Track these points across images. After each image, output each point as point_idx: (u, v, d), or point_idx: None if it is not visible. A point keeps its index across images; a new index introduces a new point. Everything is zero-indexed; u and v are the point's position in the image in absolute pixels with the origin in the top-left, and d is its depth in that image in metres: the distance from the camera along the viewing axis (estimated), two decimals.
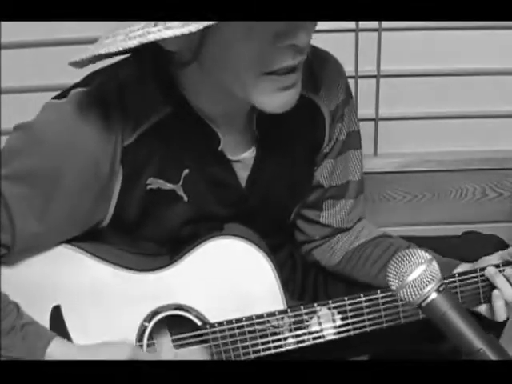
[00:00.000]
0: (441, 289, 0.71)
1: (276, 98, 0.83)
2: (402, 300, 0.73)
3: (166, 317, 0.99)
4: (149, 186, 0.94)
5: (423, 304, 0.71)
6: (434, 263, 0.72)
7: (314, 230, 1.15)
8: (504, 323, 1.08)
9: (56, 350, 0.91)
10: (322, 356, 1.14)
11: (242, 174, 0.99)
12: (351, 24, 1.46)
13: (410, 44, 1.48)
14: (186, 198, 0.96)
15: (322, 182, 1.10)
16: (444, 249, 1.06)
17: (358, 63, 1.50)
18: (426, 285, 0.71)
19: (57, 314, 0.97)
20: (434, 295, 0.71)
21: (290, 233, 1.16)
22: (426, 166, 1.59)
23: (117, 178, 0.91)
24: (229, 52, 0.80)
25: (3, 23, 1.36)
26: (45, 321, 0.97)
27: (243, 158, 0.99)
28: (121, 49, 0.71)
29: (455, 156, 1.59)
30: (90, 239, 0.98)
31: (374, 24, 1.46)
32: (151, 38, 0.69)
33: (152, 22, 0.70)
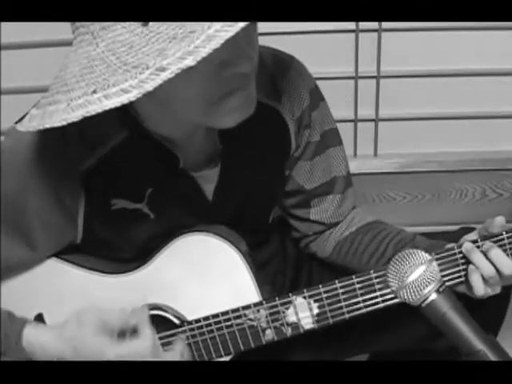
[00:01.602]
0: (441, 289, 0.71)
1: (228, 118, 0.82)
2: (402, 300, 0.73)
3: (151, 316, 0.99)
4: (113, 207, 0.94)
5: (423, 304, 0.71)
6: (434, 264, 0.72)
7: (306, 227, 1.15)
8: (501, 322, 1.08)
9: (31, 334, 0.91)
10: (319, 356, 1.14)
11: (208, 186, 0.99)
12: (351, 25, 1.46)
13: (410, 44, 1.48)
14: (152, 216, 0.97)
15: (303, 184, 1.10)
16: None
17: (357, 64, 1.50)
18: (426, 285, 0.71)
19: (40, 321, 0.99)
20: (434, 296, 0.71)
21: (275, 227, 1.16)
22: (426, 167, 1.59)
23: (80, 201, 0.93)
24: (172, 91, 0.79)
25: (3, 24, 1.37)
26: None
27: (207, 173, 0.98)
28: (64, 123, 0.71)
29: (455, 157, 1.59)
30: (71, 251, 0.99)
31: (374, 25, 1.46)
32: (92, 110, 0.69)
33: (91, 87, 0.70)
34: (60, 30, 1.40)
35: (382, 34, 1.46)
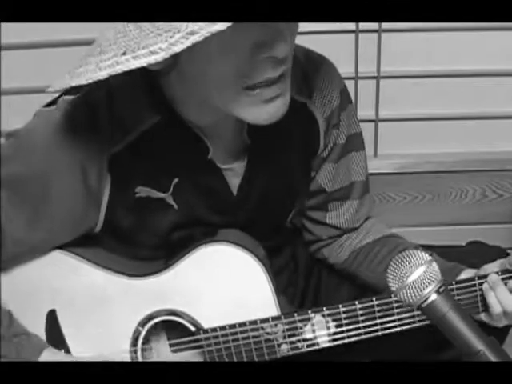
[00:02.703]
0: (441, 290, 0.71)
1: (259, 112, 0.81)
2: (401, 301, 0.72)
3: (164, 321, 0.99)
4: (137, 195, 0.94)
5: (423, 305, 0.71)
6: (434, 264, 0.72)
7: (321, 231, 1.14)
8: (508, 327, 1.08)
9: (47, 359, 0.91)
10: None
11: (234, 181, 0.99)
12: (351, 25, 1.46)
13: (410, 45, 1.48)
14: (176, 206, 0.96)
15: (325, 186, 1.09)
16: (448, 258, 1.06)
17: (358, 64, 1.50)
18: (426, 286, 0.71)
19: (52, 317, 0.98)
20: (433, 296, 0.71)
21: (289, 235, 1.16)
22: (426, 168, 1.59)
23: (105, 185, 0.92)
24: (205, 68, 0.78)
25: (3, 24, 1.36)
26: (40, 324, 0.97)
27: (234, 166, 0.98)
28: (90, 81, 0.70)
29: (455, 157, 1.59)
30: (85, 244, 0.98)
31: (373, 25, 1.46)
32: (119, 69, 0.68)
33: (122, 49, 0.69)
34: (60, 30, 1.41)
35: (381, 35, 1.46)
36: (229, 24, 0.64)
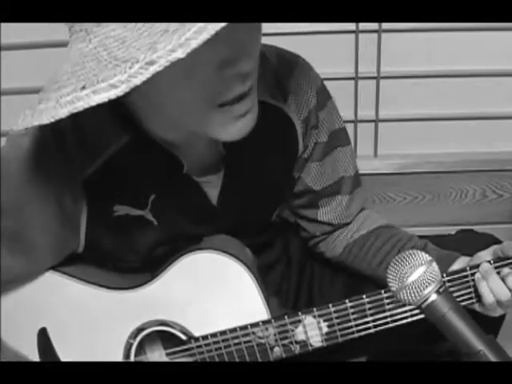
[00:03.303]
0: (441, 290, 0.71)
1: (231, 128, 0.80)
2: (402, 301, 0.73)
3: (158, 331, 0.99)
4: (116, 213, 0.93)
5: (423, 305, 0.71)
6: (434, 264, 0.72)
7: (314, 228, 1.14)
8: (501, 322, 1.08)
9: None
10: (319, 358, 1.14)
11: (213, 192, 0.98)
12: (351, 25, 1.46)
13: (410, 45, 1.48)
14: (155, 222, 0.95)
15: (311, 185, 1.08)
16: (440, 247, 1.06)
17: (357, 64, 1.50)
18: (426, 286, 0.71)
19: (44, 335, 0.98)
20: (433, 296, 0.71)
21: (279, 229, 1.15)
22: (426, 168, 1.59)
23: (82, 208, 0.91)
24: (171, 93, 0.77)
25: (3, 24, 1.37)
26: (32, 343, 0.98)
27: (211, 178, 0.97)
28: (52, 120, 0.68)
29: (455, 157, 1.59)
30: (70, 262, 0.98)
31: (373, 25, 1.46)
32: (80, 106, 0.66)
33: (81, 83, 0.68)
34: (60, 30, 1.40)
35: (381, 35, 1.46)
36: (188, 51, 0.62)
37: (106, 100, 0.65)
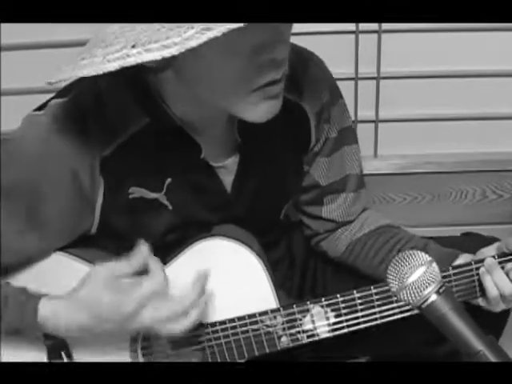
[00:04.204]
0: (441, 290, 0.71)
1: (261, 109, 0.83)
2: (401, 301, 0.72)
3: None
4: (131, 196, 0.94)
5: (423, 306, 0.71)
6: (434, 265, 0.72)
7: (318, 225, 1.15)
8: (504, 323, 1.08)
9: (46, 308, 0.89)
10: (320, 358, 1.14)
11: (227, 178, 0.99)
12: (351, 26, 1.46)
13: (410, 45, 1.48)
14: (170, 207, 0.96)
15: (319, 180, 1.10)
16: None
17: (357, 65, 1.50)
18: (426, 287, 0.70)
19: None
20: (433, 297, 0.71)
21: (284, 228, 1.16)
22: (426, 168, 1.59)
23: (98, 188, 0.92)
24: (207, 72, 0.79)
25: (3, 24, 1.36)
26: None
27: (227, 164, 0.98)
28: (101, 72, 0.69)
29: (455, 158, 1.59)
30: (81, 244, 0.98)
31: (373, 26, 1.46)
32: (131, 61, 0.67)
33: (131, 43, 0.69)
34: (60, 30, 1.41)
35: (381, 35, 1.46)
36: (241, 25, 0.63)
37: (159, 57, 0.66)
